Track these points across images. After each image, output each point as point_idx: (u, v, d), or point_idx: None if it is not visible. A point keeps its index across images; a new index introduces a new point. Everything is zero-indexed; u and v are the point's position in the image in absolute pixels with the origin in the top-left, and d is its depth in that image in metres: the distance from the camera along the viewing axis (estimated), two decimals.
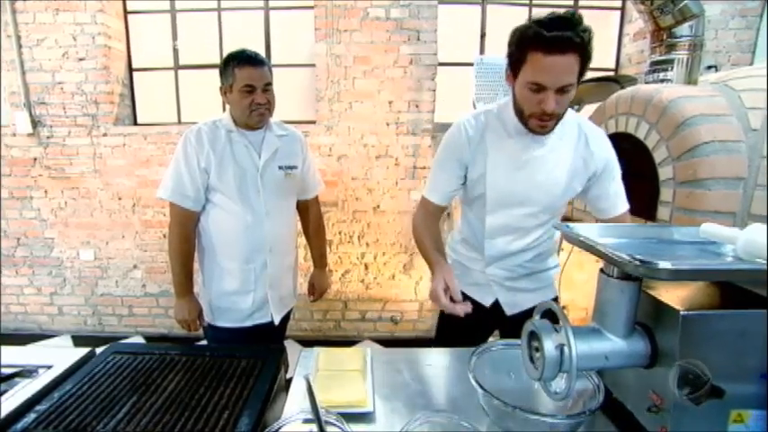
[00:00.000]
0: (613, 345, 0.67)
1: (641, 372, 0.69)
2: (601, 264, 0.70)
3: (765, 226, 0.59)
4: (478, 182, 1.11)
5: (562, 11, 0.90)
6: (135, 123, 2.87)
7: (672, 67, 1.67)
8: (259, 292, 1.40)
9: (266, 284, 1.41)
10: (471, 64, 2.47)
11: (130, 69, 2.83)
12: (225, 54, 1.33)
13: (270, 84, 1.31)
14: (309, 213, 1.63)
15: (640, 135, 1.54)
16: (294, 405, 0.85)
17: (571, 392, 0.64)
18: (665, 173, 1.45)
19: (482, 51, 2.77)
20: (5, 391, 0.86)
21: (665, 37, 1.70)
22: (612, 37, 2.82)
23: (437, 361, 1.04)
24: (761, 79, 1.34)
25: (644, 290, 0.68)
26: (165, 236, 2.65)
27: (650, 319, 0.69)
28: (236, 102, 1.29)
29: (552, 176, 1.08)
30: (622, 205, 1.13)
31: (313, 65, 2.63)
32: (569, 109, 1.05)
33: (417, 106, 2.57)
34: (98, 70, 2.59)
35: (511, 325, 1.17)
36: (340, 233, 2.72)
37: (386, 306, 2.81)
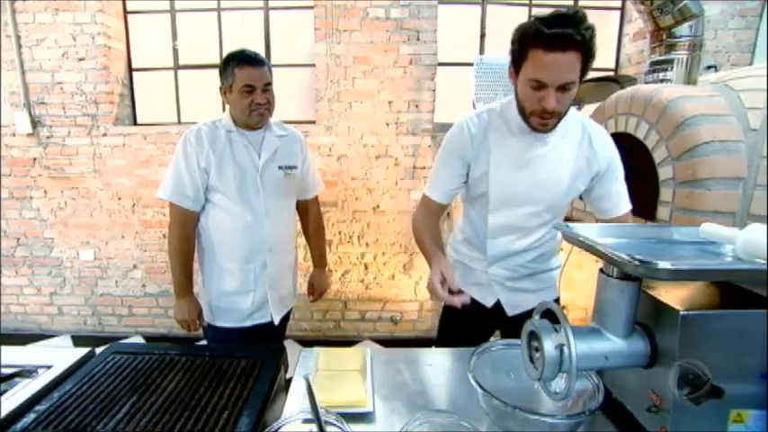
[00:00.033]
0: (613, 345, 0.67)
1: (641, 372, 0.69)
2: (600, 264, 0.70)
3: (765, 226, 0.59)
4: (481, 180, 1.11)
5: (565, 9, 0.89)
6: (135, 123, 2.87)
7: (671, 67, 1.67)
8: (259, 292, 1.40)
9: (266, 284, 1.41)
10: (471, 64, 2.47)
11: (130, 69, 2.83)
12: (225, 54, 1.33)
13: (270, 84, 1.31)
14: (309, 213, 1.63)
15: (640, 135, 1.54)
16: (294, 405, 0.85)
17: (571, 392, 0.64)
18: (664, 173, 1.45)
19: (482, 51, 2.77)
20: (5, 391, 0.86)
21: (664, 37, 1.70)
22: (612, 37, 2.82)
23: (437, 361, 1.04)
24: (760, 79, 1.34)
25: (644, 290, 0.68)
26: (164, 236, 2.65)
27: (650, 319, 0.69)
28: (236, 102, 1.29)
29: (555, 175, 1.07)
30: (625, 205, 1.13)
31: (313, 65, 2.63)
32: (573, 108, 1.05)
33: (417, 106, 2.57)
34: (98, 70, 2.59)
35: (512, 325, 1.16)
36: (340, 233, 2.72)
37: (385, 306, 2.81)
